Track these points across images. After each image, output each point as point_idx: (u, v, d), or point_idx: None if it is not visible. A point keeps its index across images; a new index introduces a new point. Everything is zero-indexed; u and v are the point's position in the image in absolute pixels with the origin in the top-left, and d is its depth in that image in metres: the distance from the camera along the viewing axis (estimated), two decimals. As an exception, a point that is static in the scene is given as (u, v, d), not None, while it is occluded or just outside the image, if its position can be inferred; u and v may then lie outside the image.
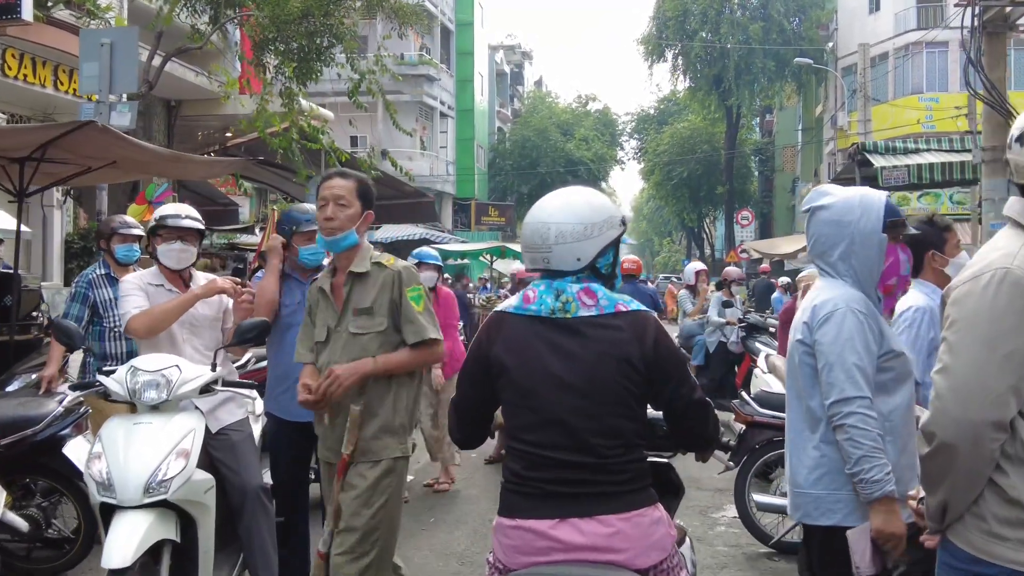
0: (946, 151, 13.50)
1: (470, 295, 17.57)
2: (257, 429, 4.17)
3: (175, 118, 16.62)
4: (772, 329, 9.78)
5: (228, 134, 17.29)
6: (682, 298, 11.63)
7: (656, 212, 69.59)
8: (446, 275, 24.76)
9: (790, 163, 46.58)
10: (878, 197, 2.84)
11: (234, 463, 3.70)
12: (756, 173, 52.28)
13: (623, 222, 2.59)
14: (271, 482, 4.10)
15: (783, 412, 5.14)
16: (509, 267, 31.38)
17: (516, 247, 20.54)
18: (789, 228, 42.74)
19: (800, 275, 8.96)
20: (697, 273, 11.78)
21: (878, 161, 13.11)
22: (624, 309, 2.48)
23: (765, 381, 6.44)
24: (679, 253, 65.30)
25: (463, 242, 29.36)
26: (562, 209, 2.52)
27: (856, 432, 2.61)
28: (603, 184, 51.35)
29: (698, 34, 38.20)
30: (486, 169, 44.62)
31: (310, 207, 4.30)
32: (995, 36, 11.57)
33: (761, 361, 7.04)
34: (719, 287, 10.98)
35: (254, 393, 4.13)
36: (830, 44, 37.88)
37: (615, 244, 2.59)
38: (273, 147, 12.82)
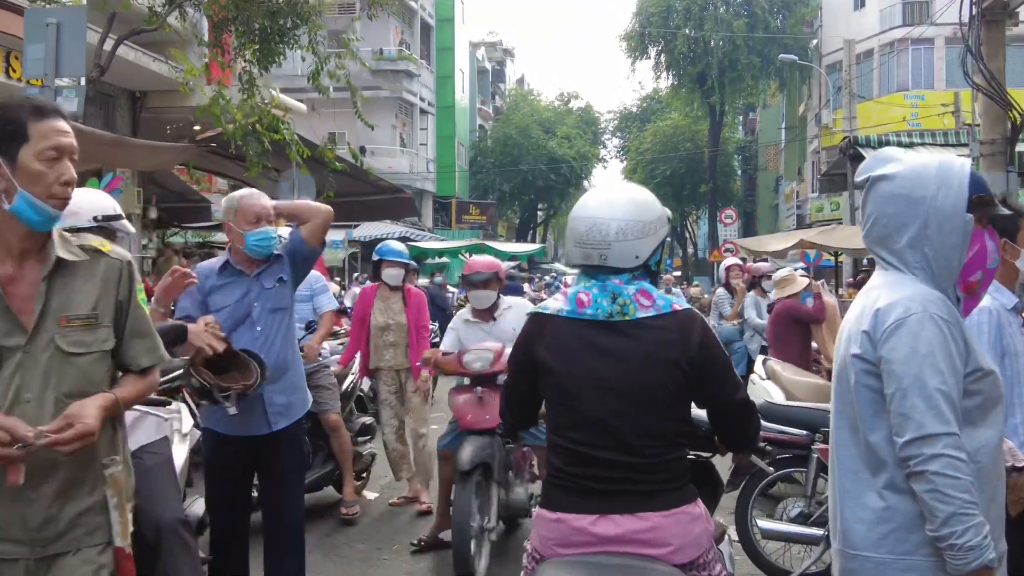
0: (940, 145, 13.03)
1: (448, 295, 16.95)
2: (183, 450, 3.54)
3: (140, 110, 15.91)
4: None
5: (196, 127, 16.62)
6: (720, 299, 10.52)
7: (638, 211, 68.85)
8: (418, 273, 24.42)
9: (773, 161, 46.31)
10: (960, 166, 2.20)
11: (147, 491, 2.90)
12: (739, 172, 52.00)
13: (669, 220, 2.60)
14: (200, 513, 3.50)
15: (791, 427, 4.79)
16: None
17: (496, 245, 19.94)
18: (772, 227, 42.47)
19: (777, 274, 8.19)
20: (728, 269, 10.55)
21: (870, 155, 12.63)
22: (679, 308, 2.47)
23: (765, 389, 5.92)
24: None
25: (440, 240, 28.69)
26: (622, 205, 2.48)
27: (943, 482, 1.97)
28: (586, 183, 50.97)
29: (681, 31, 37.70)
30: (467, 167, 44.03)
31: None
32: (994, 25, 11.06)
33: (758, 366, 6.49)
34: (751, 287, 9.67)
35: (178, 407, 3.53)
36: (814, 41, 37.54)
37: (664, 243, 2.57)
38: (228, 137, 12.15)
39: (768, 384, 6.01)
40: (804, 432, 4.73)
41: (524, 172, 43.84)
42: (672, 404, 2.45)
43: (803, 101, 39.93)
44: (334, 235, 31.05)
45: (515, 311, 5.51)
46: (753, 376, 6.48)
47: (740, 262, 10.07)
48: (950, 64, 31.15)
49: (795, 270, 9.12)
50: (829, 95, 33.79)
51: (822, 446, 4.52)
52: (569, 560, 2.38)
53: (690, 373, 2.42)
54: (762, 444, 2.98)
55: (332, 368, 6.17)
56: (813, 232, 12.59)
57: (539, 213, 53.52)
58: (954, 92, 27.76)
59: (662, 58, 39.95)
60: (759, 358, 6.71)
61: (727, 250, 33.82)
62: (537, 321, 2.58)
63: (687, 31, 37.46)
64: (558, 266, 52.40)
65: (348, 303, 14.28)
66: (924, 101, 30.02)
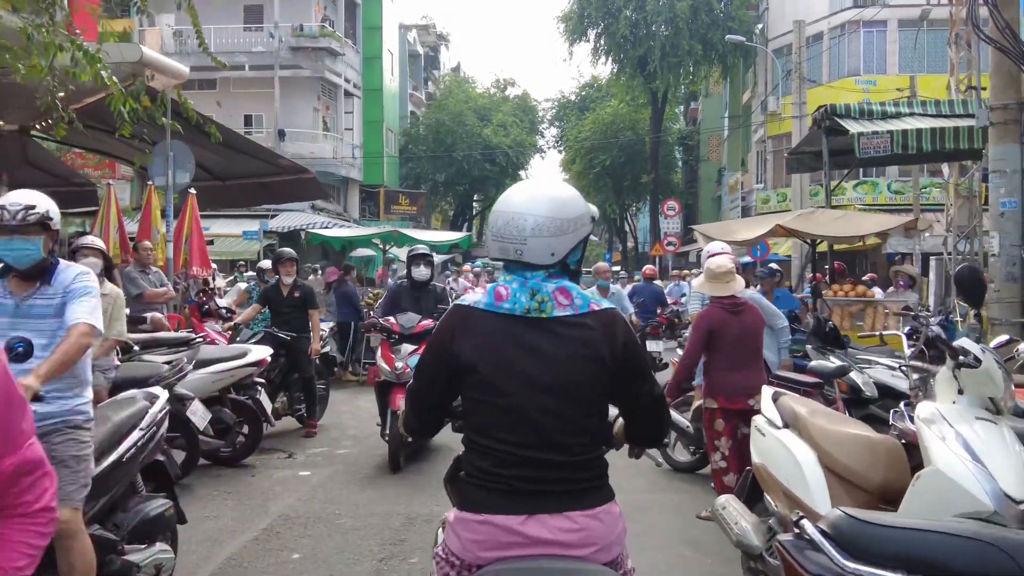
0: (932, 115, 11.13)
1: (374, 288, 14.65)
2: None
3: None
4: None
5: (61, 95, 14.11)
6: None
7: (577, 204, 67.56)
8: (314, 266, 22.15)
9: (715, 152, 44.86)
10: None
11: None
12: (680, 163, 50.46)
13: (593, 219, 2.58)
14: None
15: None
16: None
17: (414, 233, 17.67)
18: (715, 219, 40.86)
19: (714, 262, 6.01)
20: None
21: (853, 127, 10.68)
22: (597, 308, 2.48)
23: (783, 445, 3.78)
24: (599, 247, 63.27)
25: (349, 228, 26.30)
26: (542, 202, 2.47)
27: None
28: (522, 173, 48.98)
29: (623, 12, 35.70)
30: (396, 154, 41.55)
31: None
32: (1008, -34, 9.20)
33: (767, 404, 4.31)
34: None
35: None
36: (760, 25, 36.00)
37: (585, 241, 2.55)
38: (112, 101, 9.75)
39: (786, 436, 3.90)
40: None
41: (458, 161, 41.59)
42: (598, 401, 2.48)
43: (747, 89, 38.43)
44: (247, 225, 28.58)
45: None
46: (758, 421, 4.33)
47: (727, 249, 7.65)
48: (904, 48, 29.95)
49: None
50: (778, 79, 32.23)
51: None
52: (510, 567, 2.31)
53: (614, 371, 2.45)
54: (685, 427, 3.27)
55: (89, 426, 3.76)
56: (790, 216, 10.59)
57: (475, 204, 51.36)
58: (909, 77, 26.56)
59: (602, 41, 37.89)
60: (766, 391, 4.56)
61: (669, 243, 32.26)
62: (458, 314, 2.53)
63: (628, 13, 35.45)
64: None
65: (225, 302, 11.93)
66: (876, 86, 28.67)
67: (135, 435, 4.07)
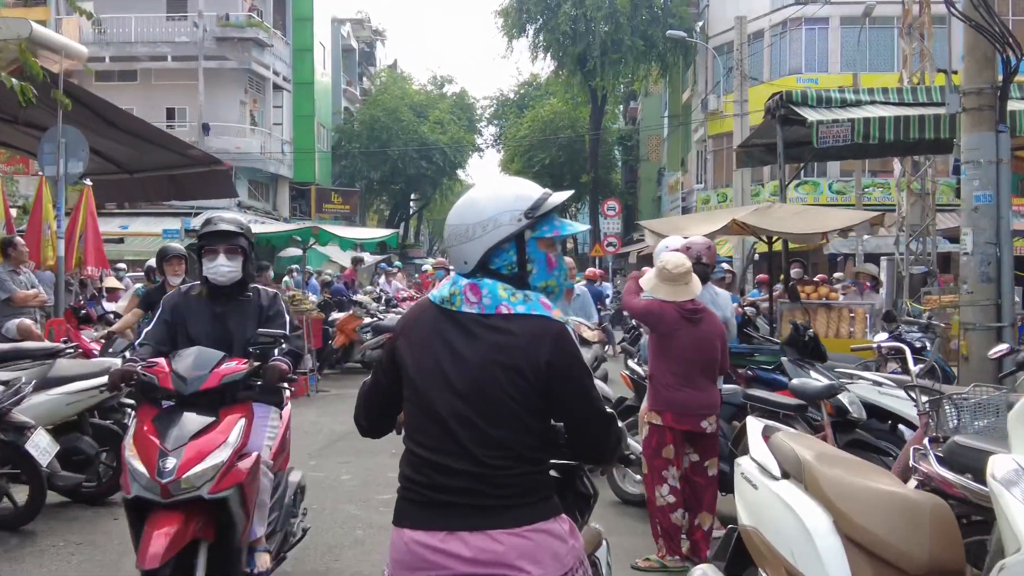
0: (895, 104, 10.37)
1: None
2: None
3: None
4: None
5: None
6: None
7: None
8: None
9: (655, 152, 44.33)
10: None
11: None
12: (620, 163, 49.85)
13: (527, 215, 2.34)
14: None
15: None
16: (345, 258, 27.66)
17: (335, 230, 16.48)
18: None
19: (670, 259, 5.05)
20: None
21: (810, 115, 9.87)
22: (508, 311, 2.31)
23: (787, 507, 2.76)
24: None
25: (262, 223, 24.88)
26: (456, 209, 2.43)
27: None
28: (460, 172, 47.94)
29: (561, 7, 34.83)
30: (329, 151, 40.11)
31: None
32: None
33: (755, 443, 3.29)
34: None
35: None
36: (700, 23, 35.48)
37: (516, 240, 2.35)
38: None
39: (788, 491, 2.88)
40: None
41: (393, 159, 40.31)
42: (518, 414, 2.28)
43: (687, 88, 37.92)
44: (168, 223, 27.07)
45: None
46: (745, 466, 3.31)
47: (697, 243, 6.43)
48: (846, 45, 29.66)
49: None
50: (718, 77, 31.73)
51: None
52: None
53: (537, 384, 2.27)
54: (627, 453, 2.75)
55: None
56: (746, 211, 9.72)
57: (411, 204, 50.13)
58: (852, 75, 26.22)
59: (540, 37, 36.98)
60: (753, 423, 3.56)
61: (609, 244, 31.46)
62: (416, 307, 2.52)
63: (567, 8, 34.58)
64: (432, 261, 49.37)
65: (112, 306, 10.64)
66: (818, 85, 28.22)
67: None
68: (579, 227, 2.64)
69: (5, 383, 5.25)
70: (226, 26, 31.03)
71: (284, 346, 4.19)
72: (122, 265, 17.73)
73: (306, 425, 9.86)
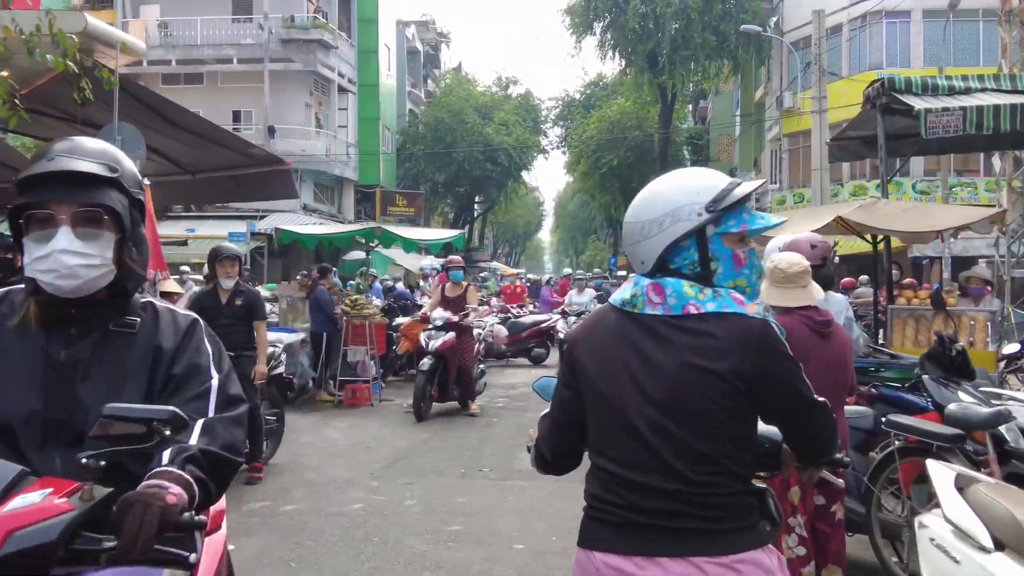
0: (1008, 92, 9.40)
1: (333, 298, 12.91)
2: None
3: None
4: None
5: (3, 73, 12.50)
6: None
7: (581, 208, 66.03)
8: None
9: (726, 152, 43.20)
10: None
11: None
12: (689, 163, 48.77)
13: (709, 208, 2.10)
14: None
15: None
16: (419, 261, 27.06)
17: (399, 231, 15.91)
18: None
19: (782, 258, 4.22)
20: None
21: (917, 103, 8.95)
22: (698, 310, 2.09)
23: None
24: (605, 251, 61.59)
25: (321, 224, 24.47)
26: (633, 205, 2.24)
27: None
28: (525, 173, 47.31)
29: (630, 4, 33.95)
30: (393, 153, 39.80)
31: None
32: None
33: (950, 497, 2.50)
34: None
35: None
36: (774, 19, 34.34)
37: (696, 236, 2.13)
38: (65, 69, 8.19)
39: (1009, 569, 2.15)
40: None
41: (458, 160, 39.83)
42: (723, 422, 2.05)
43: (761, 85, 36.76)
44: (234, 226, 26.90)
45: None
46: (933, 528, 2.54)
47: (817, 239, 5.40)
48: (929, 39, 28.38)
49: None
50: (797, 72, 30.61)
51: None
52: None
53: (744, 387, 2.05)
54: (839, 455, 2.36)
55: None
56: (850, 207, 8.82)
57: (475, 206, 49.66)
58: (937, 70, 24.95)
59: (608, 35, 36.16)
60: (939, 471, 2.78)
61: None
62: (597, 312, 2.34)
63: (637, 4, 33.69)
64: (496, 265, 48.66)
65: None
66: (901, 80, 27.06)
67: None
68: (773, 220, 2.25)
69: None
70: (291, 28, 30.86)
71: (189, 443, 1.91)
72: (186, 268, 17.42)
73: (368, 439, 9.28)
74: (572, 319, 12.72)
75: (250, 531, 5.92)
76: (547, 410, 2.39)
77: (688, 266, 2.15)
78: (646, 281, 2.16)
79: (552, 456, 2.37)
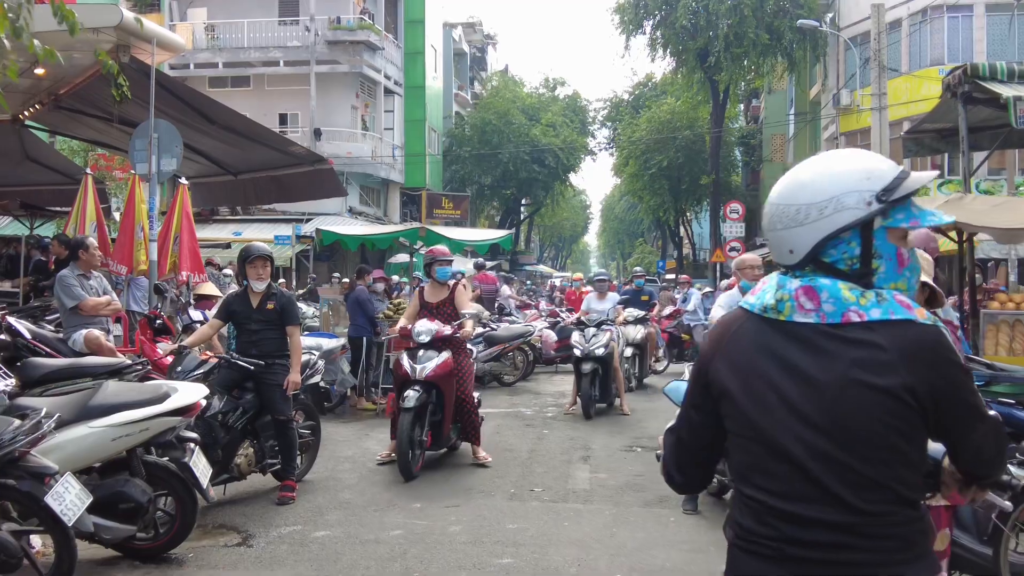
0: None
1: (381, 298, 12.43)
2: None
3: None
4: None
5: (38, 71, 12.32)
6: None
7: (629, 210, 65.21)
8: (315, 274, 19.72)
9: (779, 152, 42.11)
10: None
11: None
12: (740, 164, 47.74)
13: (880, 198, 1.88)
14: None
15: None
16: (464, 264, 26.58)
17: (444, 231, 15.40)
18: (780, 224, 38.15)
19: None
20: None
21: (1004, 91, 8.23)
22: (861, 318, 1.86)
23: None
24: (653, 254, 60.72)
25: (365, 224, 24.14)
26: (781, 186, 2.00)
27: None
28: (572, 175, 46.66)
29: (681, 1, 33.19)
30: (440, 156, 39.46)
31: None
32: None
33: None
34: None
35: None
36: (830, 15, 33.36)
37: (860, 228, 1.90)
38: (107, 69, 7.83)
39: None
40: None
41: (505, 162, 39.37)
42: (896, 444, 1.85)
43: (816, 83, 35.76)
44: (280, 230, 26.70)
45: None
46: None
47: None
48: (993, 34, 27.28)
49: None
50: (855, 69, 29.66)
51: None
52: None
53: (918, 404, 1.84)
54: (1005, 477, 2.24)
55: None
56: (934, 203, 8.10)
57: (522, 209, 49.18)
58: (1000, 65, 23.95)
59: (658, 33, 35.43)
60: None
61: (732, 249, 29.53)
62: (727, 322, 2.08)
63: (688, 1, 32.93)
64: (543, 268, 48.12)
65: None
66: (964, 76, 26.06)
67: None
68: (944, 217, 1.99)
69: (23, 415, 4.22)
70: (337, 29, 30.65)
71: None
72: (228, 271, 17.10)
73: (411, 452, 8.74)
74: (591, 331, 10.98)
75: (278, 561, 5.38)
76: (673, 422, 2.21)
77: (846, 261, 1.92)
78: (794, 283, 1.93)
79: (680, 477, 2.21)
